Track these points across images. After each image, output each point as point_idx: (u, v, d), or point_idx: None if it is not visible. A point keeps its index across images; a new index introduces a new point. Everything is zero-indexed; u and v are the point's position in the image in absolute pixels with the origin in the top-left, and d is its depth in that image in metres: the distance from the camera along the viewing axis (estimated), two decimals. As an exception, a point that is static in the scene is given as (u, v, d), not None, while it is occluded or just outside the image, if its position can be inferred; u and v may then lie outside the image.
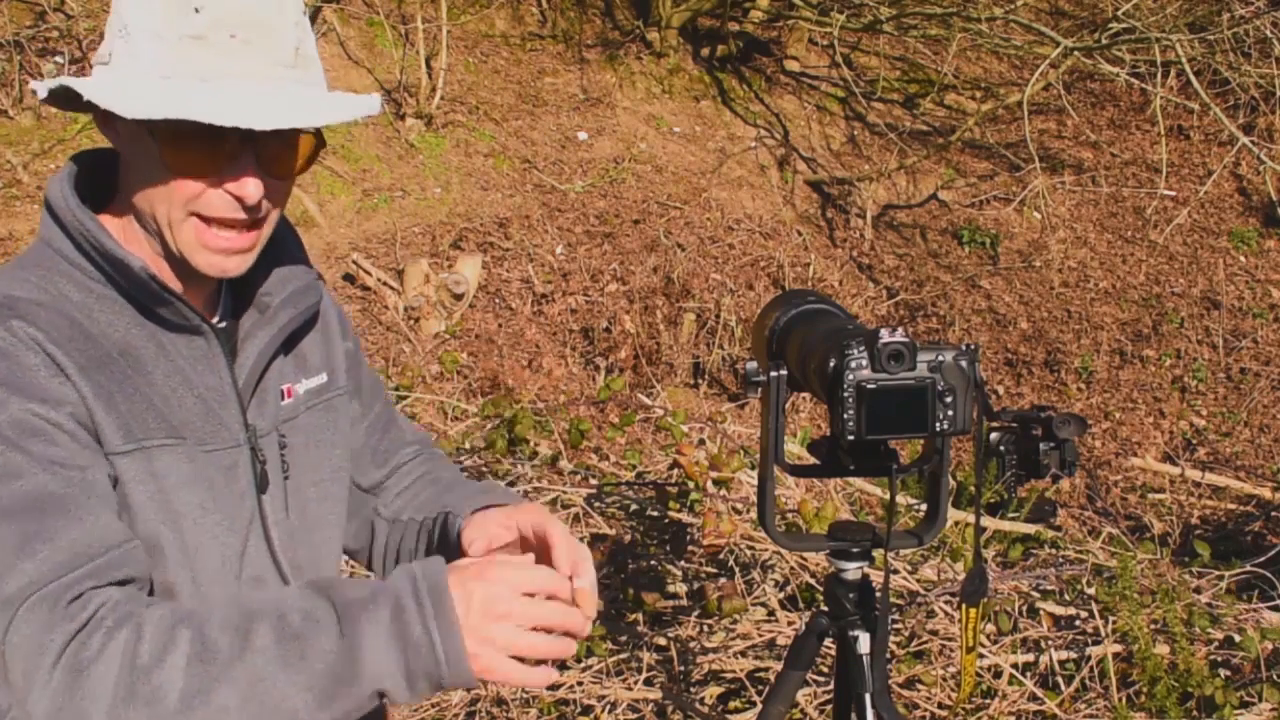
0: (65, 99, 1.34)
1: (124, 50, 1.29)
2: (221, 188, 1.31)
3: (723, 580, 3.23)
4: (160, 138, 1.28)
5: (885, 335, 1.64)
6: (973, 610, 1.82)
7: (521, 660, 1.22)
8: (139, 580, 1.26)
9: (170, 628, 1.17)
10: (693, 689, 3.28)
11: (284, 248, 1.51)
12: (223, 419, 1.40)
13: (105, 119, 1.33)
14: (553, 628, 1.24)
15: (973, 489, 4.15)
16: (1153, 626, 3.10)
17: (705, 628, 3.31)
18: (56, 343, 1.28)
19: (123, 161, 1.38)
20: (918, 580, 3.32)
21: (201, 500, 1.36)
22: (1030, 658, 3.21)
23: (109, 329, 1.33)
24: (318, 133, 1.39)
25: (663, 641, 3.30)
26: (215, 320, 1.46)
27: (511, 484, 3.53)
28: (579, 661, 3.25)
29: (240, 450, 1.41)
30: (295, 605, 1.20)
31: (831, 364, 1.66)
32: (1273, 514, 5.11)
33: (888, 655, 2.77)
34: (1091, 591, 3.23)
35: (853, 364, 1.63)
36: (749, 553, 3.34)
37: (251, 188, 1.30)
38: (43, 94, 1.34)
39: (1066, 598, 3.30)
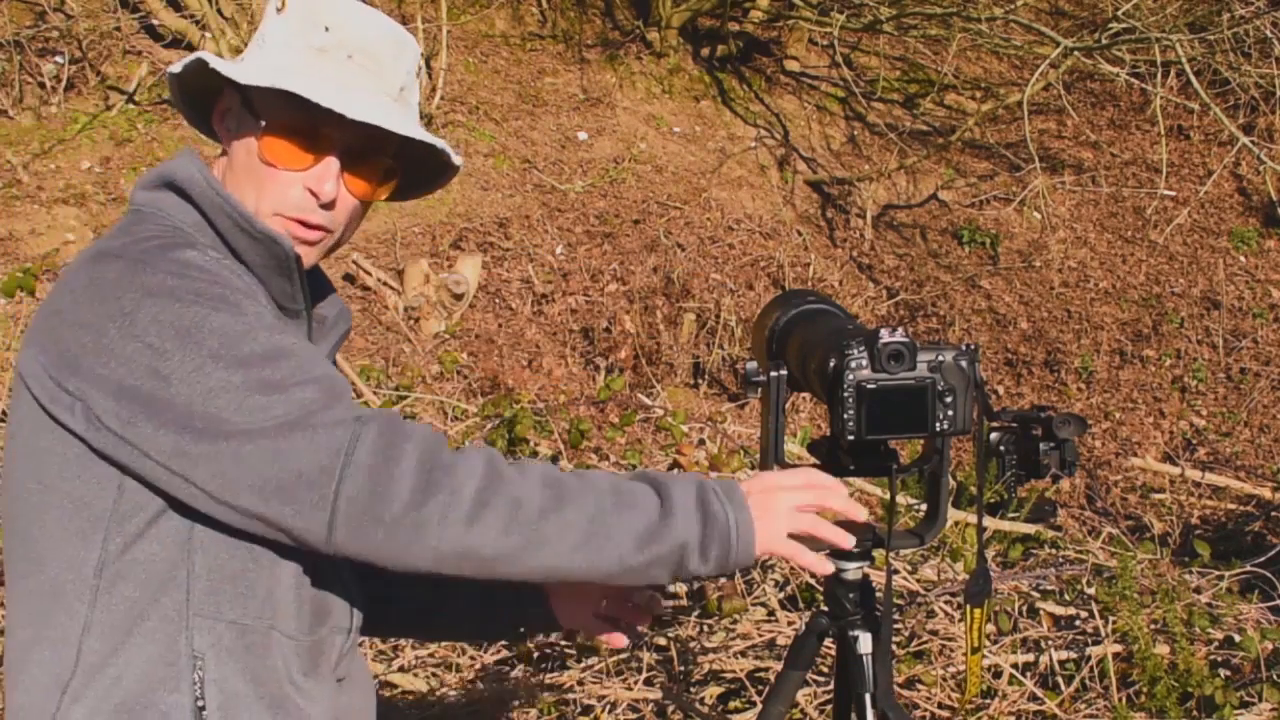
0: (179, 88, 1.49)
1: (256, 54, 1.46)
2: (303, 184, 1.43)
3: (723, 580, 3.23)
4: (266, 121, 1.41)
5: (885, 335, 1.63)
6: (977, 611, 1.81)
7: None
8: None
9: (519, 461, 1.37)
10: (693, 689, 3.28)
11: (322, 274, 1.63)
12: None
13: (220, 117, 1.48)
14: (825, 511, 1.47)
15: (973, 489, 4.15)
16: (1153, 626, 3.10)
17: (705, 628, 3.31)
18: (230, 270, 1.40)
19: (221, 161, 1.50)
20: (918, 580, 3.32)
21: None
22: (1030, 658, 3.21)
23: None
24: (400, 167, 1.52)
25: (663, 641, 3.30)
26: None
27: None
28: (579, 661, 3.26)
29: None
30: (602, 476, 1.39)
31: (831, 364, 1.66)
32: (1273, 514, 5.11)
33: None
34: (1091, 591, 3.23)
35: (853, 364, 1.63)
36: (749, 553, 3.34)
37: (329, 185, 1.43)
38: (177, 69, 1.46)
39: (1066, 598, 3.30)
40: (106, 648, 1.34)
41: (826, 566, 1.52)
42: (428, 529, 1.25)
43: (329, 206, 1.45)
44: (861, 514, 1.51)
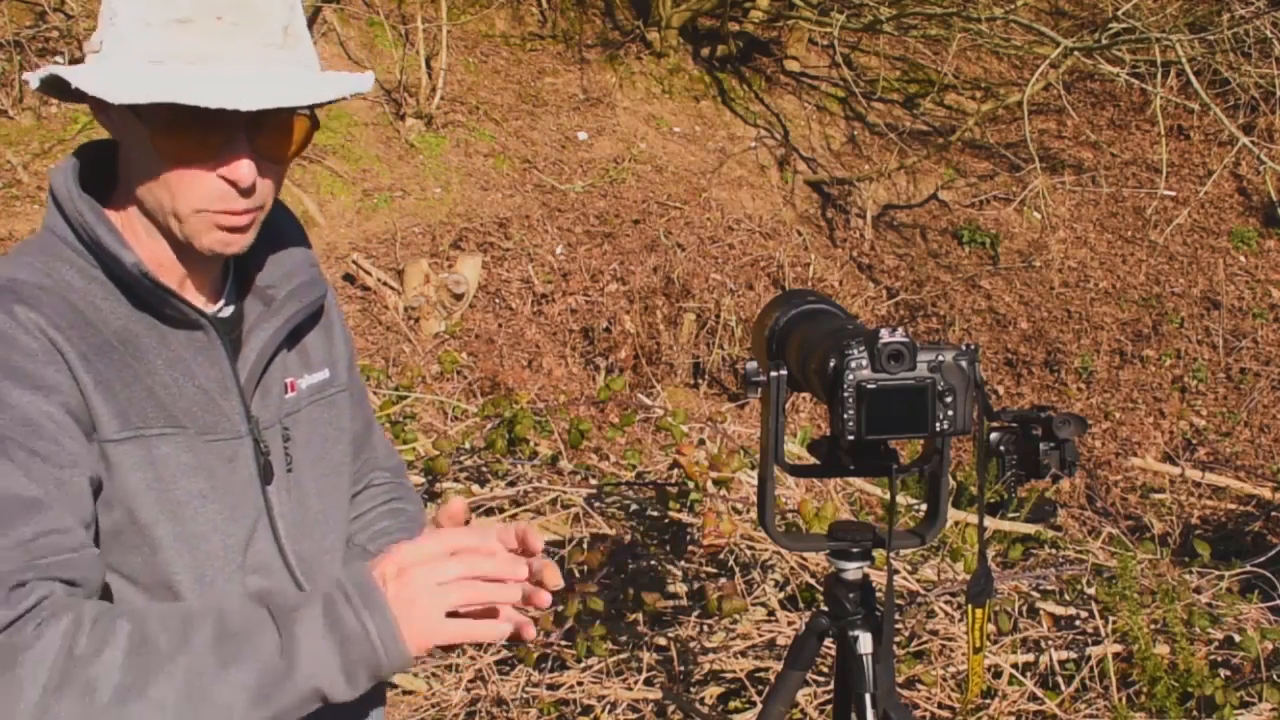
0: (59, 89, 1.33)
1: (113, 37, 1.29)
2: (215, 174, 1.30)
3: (723, 580, 3.23)
4: (150, 125, 1.28)
5: (885, 335, 1.64)
6: (979, 611, 1.81)
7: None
8: (87, 586, 1.25)
9: (110, 621, 1.18)
10: (693, 689, 3.28)
11: (286, 238, 1.51)
12: (224, 409, 1.39)
13: (100, 108, 1.33)
14: (480, 577, 1.24)
15: (973, 489, 4.15)
16: (1153, 626, 3.10)
17: (705, 628, 3.31)
18: (58, 328, 1.27)
19: (121, 151, 1.38)
20: (918, 580, 3.32)
21: (202, 489, 1.36)
22: (1030, 658, 3.21)
23: (110, 316, 1.33)
24: (312, 114, 1.38)
25: (663, 641, 3.30)
26: (219, 306, 1.45)
27: (512, 484, 3.53)
28: (579, 661, 3.26)
29: (242, 442, 1.41)
30: (234, 608, 1.22)
31: (831, 364, 1.66)
32: (1273, 514, 5.11)
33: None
34: (1091, 591, 3.23)
35: (853, 364, 1.63)
36: (749, 553, 3.34)
37: (245, 169, 1.29)
38: (35, 84, 1.33)
39: (1066, 598, 3.30)
40: None
41: (502, 632, 1.30)
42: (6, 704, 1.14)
43: (252, 190, 1.31)
44: (521, 572, 1.27)
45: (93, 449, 1.28)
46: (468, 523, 1.53)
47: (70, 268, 1.33)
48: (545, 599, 1.36)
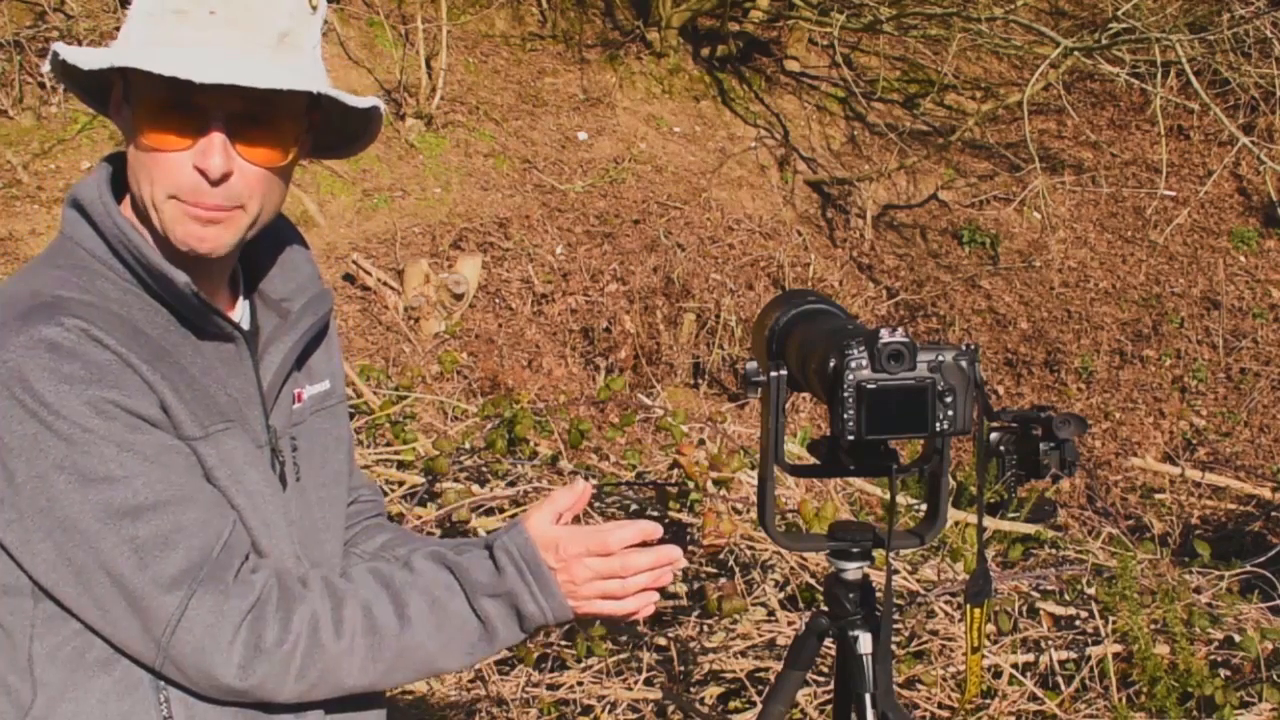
0: (67, 75, 1.37)
1: (122, 33, 1.34)
2: (191, 163, 1.31)
3: (723, 580, 3.23)
4: (135, 109, 1.32)
5: (885, 335, 1.63)
6: (977, 611, 1.81)
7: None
8: (254, 551, 1.38)
9: (338, 606, 1.36)
10: (693, 689, 3.28)
11: (291, 249, 1.54)
12: (249, 419, 1.42)
13: (114, 107, 1.38)
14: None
15: (973, 489, 4.15)
16: (1153, 626, 3.10)
17: (705, 628, 3.31)
18: (118, 340, 1.30)
19: (127, 155, 1.40)
20: (918, 580, 3.32)
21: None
22: (1030, 658, 3.21)
23: (149, 327, 1.35)
24: (304, 130, 1.39)
25: (663, 641, 3.30)
26: (236, 319, 1.47)
27: (512, 484, 3.53)
28: (579, 661, 3.26)
29: (263, 451, 1.44)
30: (434, 578, 1.42)
31: (831, 364, 1.66)
32: (1273, 514, 5.11)
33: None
34: (1091, 591, 3.23)
35: (853, 364, 1.63)
36: (749, 553, 3.34)
37: (215, 159, 1.30)
38: (47, 67, 1.38)
39: (1066, 598, 3.30)
40: (59, 679, 1.32)
41: (629, 611, 1.50)
42: (262, 695, 1.33)
43: (221, 182, 1.31)
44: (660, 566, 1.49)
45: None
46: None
47: (105, 281, 1.35)
48: (668, 579, 1.55)
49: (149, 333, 1.34)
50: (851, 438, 1.65)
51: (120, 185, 1.41)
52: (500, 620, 1.41)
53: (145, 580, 1.26)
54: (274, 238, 1.51)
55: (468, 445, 3.58)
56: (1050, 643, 3.20)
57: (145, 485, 1.27)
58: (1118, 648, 3.12)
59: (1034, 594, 3.31)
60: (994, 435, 1.77)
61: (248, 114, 1.31)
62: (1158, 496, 5.92)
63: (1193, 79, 8.34)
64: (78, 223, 1.37)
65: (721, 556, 3.32)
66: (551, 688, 3.22)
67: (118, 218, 1.34)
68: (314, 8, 1.37)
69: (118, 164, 1.42)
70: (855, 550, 1.87)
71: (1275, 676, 3.06)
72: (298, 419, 1.51)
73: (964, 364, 1.65)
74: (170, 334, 1.36)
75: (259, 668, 1.29)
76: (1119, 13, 8.64)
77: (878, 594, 1.93)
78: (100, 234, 1.35)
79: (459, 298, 7.24)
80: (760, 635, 3.26)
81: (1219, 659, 3.15)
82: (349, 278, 7.29)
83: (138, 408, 1.28)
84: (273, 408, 1.46)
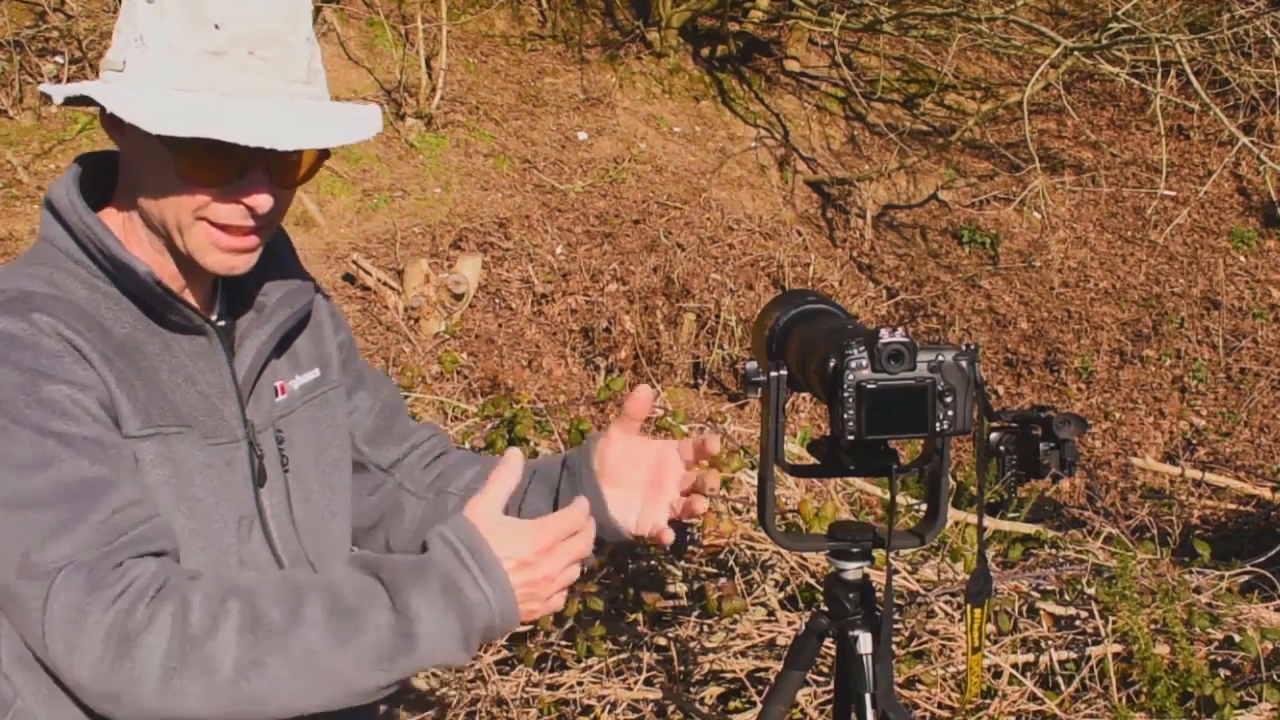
0: (75, 98, 1.37)
1: (139, 60, 1.31)
2: (234, 199, 1.34)
3: (723, 580, 3.23)
4: (178, 150, 1.30)
5: (885, 335, 1.63)
6: (978, 611, 1.81)
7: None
8: (172, 554, 1.29)
9: (220, 599, 1.21)
10: (693, 689, 3.28)
11: (279, 253, 1.55)
12: (223, 414, 1.43)
13: (114, 122, 1.35)
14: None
15: (973, 489, 4.15)
16: (1153, 626, 3.10)
17: (705, 628, 3.31)
18: (76, 331, 1.30)
19: (125, 162, 1.41)
20: (918, 580, 3.32)
21: (215, 486, 1.40)
22: (1030, 658, 3.21)
23: (116, 325, 1.36)
24: (327, 152, 1.42)
25: (663, 641, 3.30)
26: (214, 318, 1.49)
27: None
28: (579, 661, 3.26)
29: (239, 445, 1.44)
30: (343, 578, 1.25)
31: (831, 364, 1.66)
32: (1273, 514, 5.11)
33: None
34: (1091, 591, 3.23)
35: (853, 364, 1.63)
36: (749, 553, 3.34)
37: (264, 200, 1.34)
38: (59, 99, 1.37)
39: (1066, 598, 3.30)
40: (31, 681, 1.32)
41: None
42: (121, 700, 1.18)
43: (266, 214, 1.36)
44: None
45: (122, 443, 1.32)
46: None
47: (74, 279, 1.36)
48: (701, 505, 1.54)
49: (114, 330, 1.35)
50: (851, 438, 1.65)
51: (104, 185, 1.43)
52: (433, 619, 1.22)
53: (26, 567, 1.21)
54: None
55: (468, 445, 3.57)
56: (1050, 643, 3.20)
57: (57, 474, 1.23)
58: (1118, 648, 3.12)
59: (1034, 594, 3.31)
60: (994, 435, 1.77)
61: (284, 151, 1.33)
62: (1158, 497, 5.92)
63: (1193, 79, 8.34)
64: (50, 223, 1.39)
65: (721, 556, 3.32)
66: (551, 688, 3.22)
67: (84, 214, 1.36)
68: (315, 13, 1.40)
69: (93, 163, 1.44)
70: (855, 550, 1.87)
71: (1275, 676, 3.06)
72: (283, 411, 1.52)
73: (964, 364, 1.65)
74: (139, 330, 1.37)
75: (122, 665, 1.17)
76: (1119, 13, 8.64)
77: (878, 594, 1.93)
78: (70, 232, 1.37)
79: (459, 298, 7.24)
80: (760, 635, 3.26)
81: (1219, 659, 3.15)
82: (349, 278, 7.29)
83: (78, 398, 1.27)
84: (249, 401, 1.47)
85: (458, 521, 1.28)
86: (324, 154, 1.44)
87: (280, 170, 1.36)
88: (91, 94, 1.31)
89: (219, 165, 1.31)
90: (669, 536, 1.55)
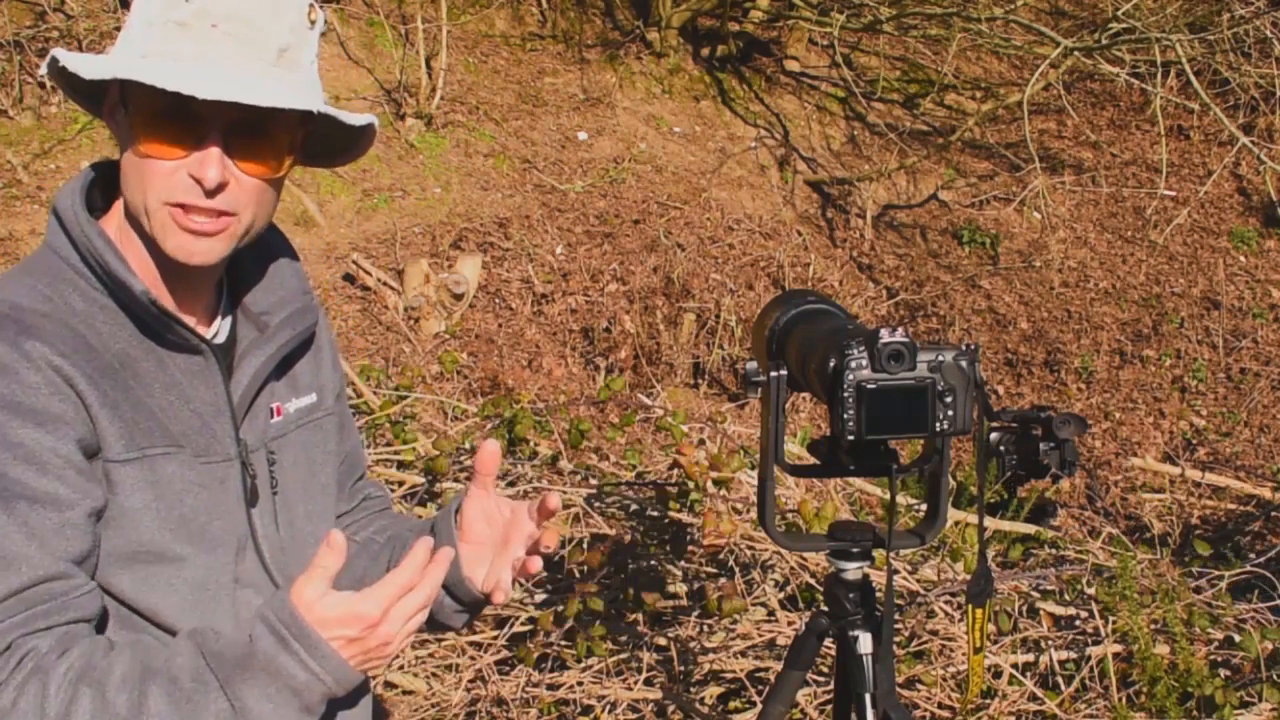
0: (64, 80, 1.37)
1: (123, 38, 1.34)
2: (186, 170, 1.32)
3: (723, 580, 3.23)
4: (133, 115, 1.32)
5: (885, 335, 1.63)
6: (979, 611, 1.81)
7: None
8: (89, 621, 1.28)
9: (73, 684, 1.21)
10: (693, 689, 3.28)
11: (282, 265, 1.54)
12: (216, 433, 1.42)
13: (109, 114, 1.37)
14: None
15: (973, 489, 4.15)
16: (1153, 626, 3.10)
17: (705, 628, 3.31)
18: (63, 354, 1.29)
19: (121, 160, 1.40)
20: (918, 580, 3.32)
21: (206, 505, 1.39)
22: (1030, 658, 3.21)
23: (110, 340, 1.35)
24: (296, 143, 1.40)
25: (663, 641, 3.30)
26: (212, 332, 1.47)
27: (512, 484, 3.53)
28: (579, 661, 3.25)
29: (232, 464, 1.43)
30: (184, 666, 1.25)
31: (831, 364, 1.66)
32: (1273, 514, 5.11)
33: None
34: (1091, 591, 3.23)
35: (853, 364, 1.63)
36: (749, 553, 3.34)
37: (212, 170, 1.31)
38: (43, 70, 1.38)
39: (1066, 598, 3.30)
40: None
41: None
42: None
43: (217, 192, 1.33)
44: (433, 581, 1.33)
45: (96, 469, 1.31)
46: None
47: (73, 290, 1.35)
48: (535, 565, 1.49)
49: (107, 347, 1.34)
50: (851, 438, 1.65)
51: (111, 191, 1.42)
52: (266, 707, 1.24)
53: None
54: (263, 250, 1.52)
55: (468, 445, 3.57)
56: (1050, 643, 3.20)
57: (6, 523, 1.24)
58: (1118, 648, 3.12)
59: (1034, 594, 3.31)
60: (994, 435, 1.77)
61: (244, 126, 1.32)
62: (1158, 497, 5.92)
63: (1193, 79, 8.34)
64: (55, 231, 1.38)
65: (721, 556, 3.32)
66: (551, 688, 3.22)
67: (85, 225, 1.35)
68: (312, 22, 1.38)
69: (105, 170, 1.43)
70: (855, 550, 1.87)
71: (1275, 676, 3.06)
72: (277, 433, 1.51)
73: (964, 364, 1.65)
74: (133, 347, 1.37)
75: None
76: (1119, 13, 8.63)
77: (878, 594, 1.93)
78: (72, 242, 1.36)
79: (459, 298, 7.23)
80: (760, 635, 3.26)
81: (1219, 659, 3.15)
82: (349, 278, 7.29)
83: (46, 443, 1.26)
84: (244, 421, 1.46)
85: (279, 603, 1.27)
86: (317, 149, 1.42)
87: (241, 151, 1.33)
88: (55, 52, 1.33)
89: (171, 133, 1.31)
90: (500, 597, 1.51)
